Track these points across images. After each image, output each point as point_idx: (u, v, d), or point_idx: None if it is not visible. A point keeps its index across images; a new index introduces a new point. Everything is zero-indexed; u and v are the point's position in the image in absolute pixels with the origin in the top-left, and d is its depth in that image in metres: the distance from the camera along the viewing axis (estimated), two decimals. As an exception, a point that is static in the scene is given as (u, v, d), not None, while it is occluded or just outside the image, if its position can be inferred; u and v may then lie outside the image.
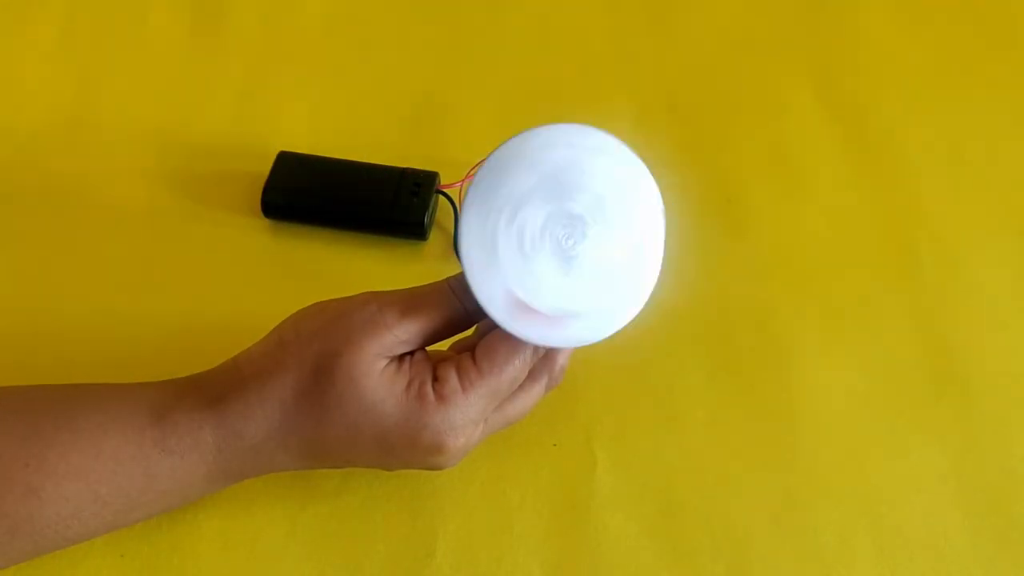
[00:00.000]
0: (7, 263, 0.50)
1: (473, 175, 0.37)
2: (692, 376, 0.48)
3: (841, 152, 0.57)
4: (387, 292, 0.39)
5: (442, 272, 0.50)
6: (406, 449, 0.38)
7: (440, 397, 0.37)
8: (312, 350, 0.37)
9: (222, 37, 0.60)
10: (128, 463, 0.37)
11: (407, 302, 0.38)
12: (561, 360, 0.40)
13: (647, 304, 0.36)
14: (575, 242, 0.36)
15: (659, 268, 0.37)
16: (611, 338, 0.36)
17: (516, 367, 0.38)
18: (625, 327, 0.36)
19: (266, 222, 0.52)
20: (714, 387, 0.48)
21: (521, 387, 0.40)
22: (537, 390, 0.40)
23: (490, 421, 0.39)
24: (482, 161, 0.37)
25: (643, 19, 0.63)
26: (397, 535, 0.43)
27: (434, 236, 0.52)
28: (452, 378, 0.37)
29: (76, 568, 0.41)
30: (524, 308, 0.36)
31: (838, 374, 0.48)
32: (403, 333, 0.38)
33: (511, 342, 0.37)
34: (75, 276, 0.50)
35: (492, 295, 0.36)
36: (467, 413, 0.37)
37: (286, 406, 0.38)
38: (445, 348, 0.43)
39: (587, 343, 0.37)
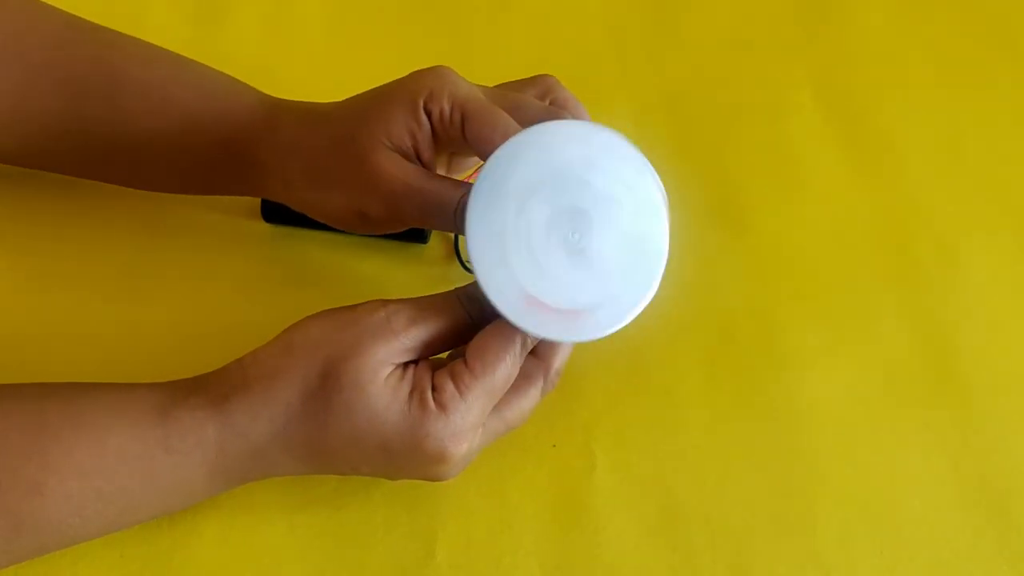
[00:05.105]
0: (6, 265, 0.50)
1: (476, 175, 0.37)
2: (692, 376, 0.48)
3: (841, 152, 0.57)
4: (395, 300, 0.39)
5: (443, 275, 0.51)
6: (409, 458, 0.38)
7: (440, 405, 0.37)
8: (320, 355, 0.38)
9: (222, 37, 0.60)
10: (131, 461, 0.37)
11: (415, 310, 0.39)
12: (556, 364, 0.41)
13: (654, 297, 0.37)
14: (581, 236, 0.37)
15: (664, 261, 0.37)
16: (619, 332, 0.36)
17: (508, 364, 0.38)
18: (634, 320, 0.37)
19: (266, 227, 0.52)
20: (714, 387, 0.48)
21: (517, 390, 0.40)
22: (533, 394, 0.40)
23: (489, 426, 0.39)
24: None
25: (643, 19, 0.63)
26: (397, 535, 0.43)
27: (434, 239, 0.52)
28: (448, 385, 0.37)
29: (76, 568, 0.41)
30: (534, 303, 0.36)
31: (838, 374, 0.48)
32: (410, 340, 0.38)
33: (500, 340, 0.38)
34: (74, 280, 0.50)
35: (502, 290, 0.36)
36: (467, 417, 0.37)
37: (291, 410, 0.38)
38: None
39: (596, 337, 0.37)
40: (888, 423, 0.47)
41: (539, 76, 0.45)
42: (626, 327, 0.37)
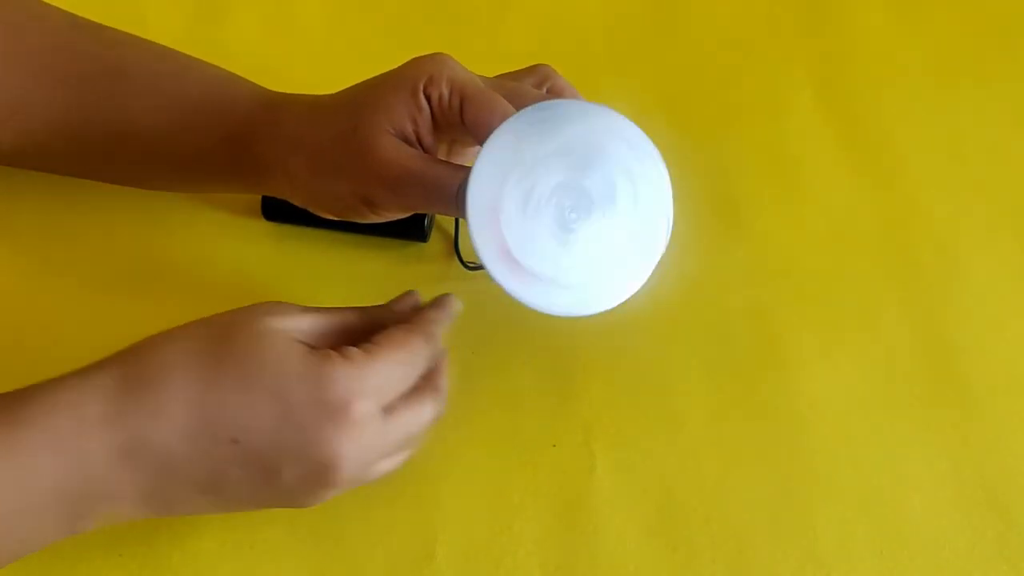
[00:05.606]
0: (6, 264, 0.50)
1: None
2: (692, 376, 0.48)
3: (841, 152, 0.57)
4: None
5: (443, 273, 0.51)
6: (309, 415, 0.36)
7: (345, 356, 0.37)
8: (219, 321, 0.38)
9: (222, 35, 0.60)
10: None
11: (307, 307, 0.40)
12: (439, 382, 0.40)
13: (636, 294, 0.37)
14: (578, 216, 0.37)
15: (656, 261, 0.37)
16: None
17: (408, 351, 0.39)
18: (613, 308, 0.37)
19: (267, 225, 0.52)
20: (714, 387, 0.48)
21: (412, 399, 0.39)
22: (428, 407, 0.40)
23: (390, 425, 0.38)
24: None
25: (642, 19, 0.63)
26: (397, 536, 0.43)
27: (434, 237, 0.52)
28: (352, 348, 0.38)
29: (74, 568, 0.41)
30: (514, 263, 0.36)
31: (838, 374, 0.48)
32: (305, 324, 0.39)
33: (405, 332, 0.39)
34: (75, 278, 0.50)
35: (487, 242, 0.36)
36: (370, 375, 0.37)
37: (188, 369, 0.37)
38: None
39: (580, 314, 0.37)
40: (888, 423, 0.47)
41: (536, 65, 0.45)
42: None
